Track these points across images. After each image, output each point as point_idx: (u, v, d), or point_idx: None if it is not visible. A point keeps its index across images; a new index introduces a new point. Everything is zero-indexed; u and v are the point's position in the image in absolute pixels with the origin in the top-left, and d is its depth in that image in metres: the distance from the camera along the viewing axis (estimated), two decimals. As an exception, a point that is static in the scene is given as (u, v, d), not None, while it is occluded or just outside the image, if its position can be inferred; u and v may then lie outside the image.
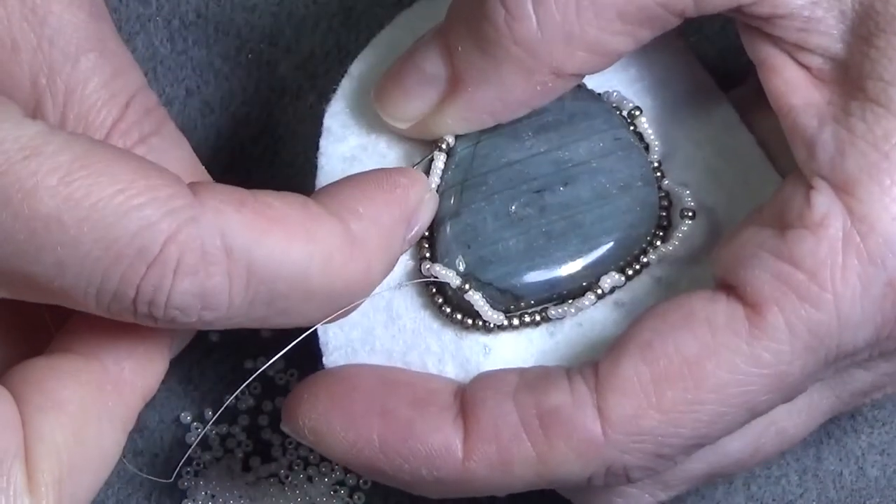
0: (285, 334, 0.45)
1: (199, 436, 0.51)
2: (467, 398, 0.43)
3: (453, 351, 0.45)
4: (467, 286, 0.45)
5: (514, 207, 0.45)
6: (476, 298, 0.45)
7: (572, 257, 0.45)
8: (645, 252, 0.46)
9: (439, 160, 0.45)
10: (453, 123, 0.45)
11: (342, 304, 0.41)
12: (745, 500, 0.52)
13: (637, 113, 0.46)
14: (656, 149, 0.46)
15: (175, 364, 0.52)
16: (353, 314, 0.43)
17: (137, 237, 0.38)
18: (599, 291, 0.45)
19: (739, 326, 0.41)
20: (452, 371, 0.45)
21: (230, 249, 0.38)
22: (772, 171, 0.46)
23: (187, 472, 0.51)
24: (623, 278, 0.45)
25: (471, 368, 0.45)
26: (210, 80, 0.54)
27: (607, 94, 0.47)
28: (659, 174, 0.46)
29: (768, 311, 0.41)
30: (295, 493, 0.51)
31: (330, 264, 0.40)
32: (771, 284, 0.41)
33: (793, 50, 0.43)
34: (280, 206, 0.40)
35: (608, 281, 0.45)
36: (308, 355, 0.52)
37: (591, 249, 0.45)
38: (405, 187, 0.42)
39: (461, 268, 0.45)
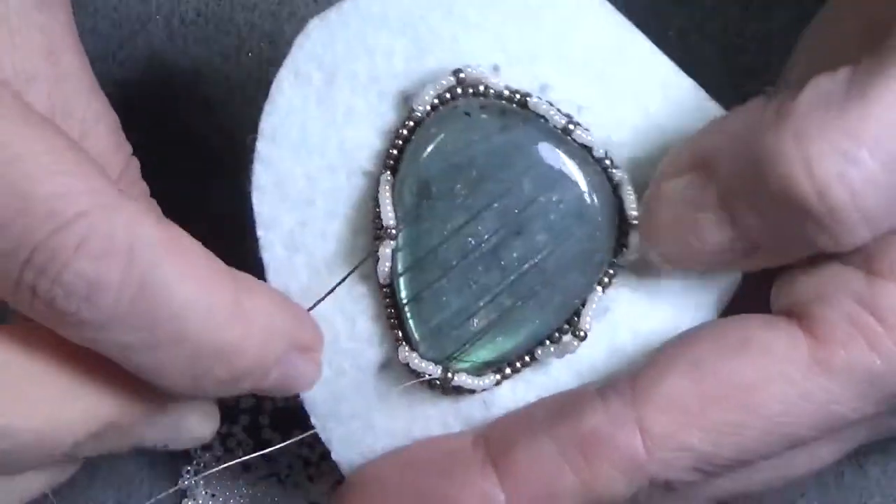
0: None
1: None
2: (494, 443, 0.43)
3: (454, 413, 0.45)
4: (450, 374, 0.44)
5: (473, 280, 0.44)
6: (462, 380, 0.44)
7: (545, 312, 0.44)
8: (613, 265, 0.45)
9: (386, 247, 0.44)
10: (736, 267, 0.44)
11: (212, 371, 0.40)
12: (745, 500, 0.52)
13: (572, 125, 0.44)
14: (600, 148, 0.45)
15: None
16: (344, 405, 0.44)
17: (53, 199, 0.37)
18: (581, 334, 0.44)
19: (798, 359, 0.41)
20: (458, 430, 0.45)
21: (133, 254, 0.38)
22: (717, 107, 0.45)
23: (187, 472, 0.51)
24: (595, 305, 0.45)
25: (477, 423, 0.45)
26: (210, 79, 0.54)
27: (535, 105, 0.44)
28: (608, 162, 0.44)
29: (835, 352, 0.41)
30: (295, 493, 0.51)
31: (210, 317, 0.39)
32: (845, 327, 0.41)
33: None
34: (194, 246, 0.40)
35: (586, 319, 0.44)
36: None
37: (562, 299, 0.44)
38: (308, 335, 0.42)
39: (440, 351, 0.44)
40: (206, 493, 0.51)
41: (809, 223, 0.40)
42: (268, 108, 0.45)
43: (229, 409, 0.52)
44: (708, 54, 0.50)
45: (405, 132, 0.44)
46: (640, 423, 0.41)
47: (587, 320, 0.44)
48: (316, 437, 0.52)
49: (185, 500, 0.51)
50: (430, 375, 0.44)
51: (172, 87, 0.54)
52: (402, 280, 0.44)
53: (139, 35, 0.55)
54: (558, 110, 0.44)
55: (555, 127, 0.44)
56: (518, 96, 0.44)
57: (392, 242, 0.44)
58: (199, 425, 0.44)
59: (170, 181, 0.54)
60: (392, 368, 0.45)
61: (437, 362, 0.44)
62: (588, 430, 0.42)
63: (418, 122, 0.44)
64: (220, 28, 0.54)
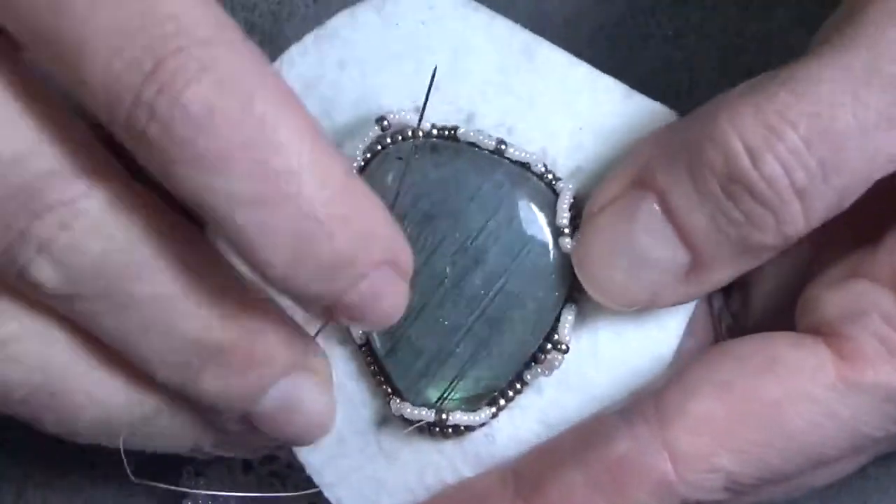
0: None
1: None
2: (523, 479, 0.43)
3: (461, 455, 0.45)
4: (444, 416, 0.44)
5: (443, 319, 0.44)
6: (458, 418, 0.44)
7: (523, 334, 0.44)
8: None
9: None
10: (697, 294, 0.43)
11: (314, 246, 0.38)
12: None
13: (503, 146, 0.44)
14: (537, 162, 0.45)
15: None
16: (351, 471, 0.44)
17: (178, 18, 0.36)
18: (563, 347, 0.44)
19: (825, 378, 0.41)
20: (471, 471, 0.45)
21: (254, 95, 0.36)
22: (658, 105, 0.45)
23: (187, 472, 0.51)
24: (571, 316, 0.45)
25: (486, 460, 0.45)
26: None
27: (463, 134, 0.44)
28: (549, 175, 0.45)
29: (862, 371, 0.41)
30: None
31: (322, 183, 0.37)
32: (874, 347, 0.41)
33: None
34: (309, 115, 0.38)
35: (564, 331, 0.44)
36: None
37: (536, 317, 0.44)
38: (405, 257, 0.40)
39: (429, 395, 0.44)
40: (206, 493, 0.51)
41: (750, 202, 0.40)
42: None
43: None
44: (708, 54, 0.50)
45: None
46: (668, 446, 0.41)
47: (565, 332, 0.44)
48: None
49: (185, 500, 0.51)
50: (425, 419, 0.44)
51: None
52: (374, 335, 0.44)
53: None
54: (488, 135, 0.44)
55: (488, 151, 0.44)
56: (446, 131, 0.44)
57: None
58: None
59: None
60: (389, 424, 0.45)
61: (429, 407, 0.44)
62: (616, 457, 0.41)
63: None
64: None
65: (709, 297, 0.47)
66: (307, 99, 0.45)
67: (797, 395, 0.41)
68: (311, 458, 0.45)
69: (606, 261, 0.42)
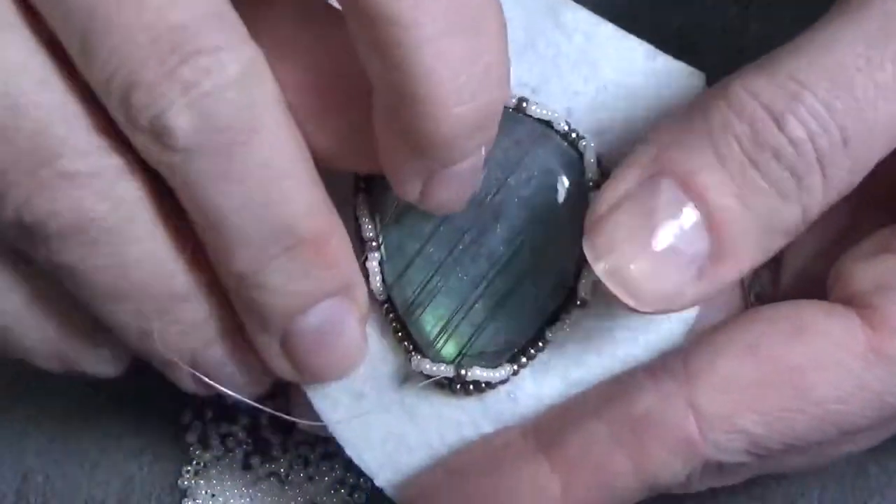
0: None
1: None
2: (544, 432, 0.42)
3: (482, 413, 0.45)
4: (463, 371, 0.44)
5: (463, 273, 0.44)
6: (477, 374, 0.44)
7: (543, 288, 0.44)
8: None
9: (372, 261, 0.44)
10: (717, 289, 0.41)
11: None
12: (746, 500, 0.52)
13: (525, 103, 0.44)
14: (560, 121, 0.44)
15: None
16: (374, 429, 0.44)
17: None
18: (578, 302, 0.44)
19: (855, 347, 0.41)
20: (493, 429, 0.45)
21: None
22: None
23: (187, 472, 0.51)
24: (592, 273, 0.44)
25: (508, 418, 0.45)
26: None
27: None
28: (574, 134, 0.44)
29: (893, 342, 0.41)
30: (295, 492, 0.51)
31: None
32: None
33: None
34: None
35: (585, 288, 0.44)
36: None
37: (556, 272, 0.44)
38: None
39: (448, 351, 0.44)
40: (206, 493, 0.51)
41: (777, 170, 0.39)
42: None
43: (229, 408, 0.52)
44: (708, 54, 0.50)
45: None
46: (693, 405, 0.41)
47: (587, 289, 0.44)
48: (315, 437, 0.52)
49: (185, 499, 0.51)
50: (444, 376, 0.44)
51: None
52: (394, 290, 0.44)
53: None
54: (510, 93, 0.44)
55: (510, 109, 0.44)
56: None
57: (376, 255, 0.44)
58: None
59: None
60: (410, 382, 0.45)
61: (448, 363, 0.44)
62: (640, 412, 0.41)
63: None
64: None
65: None
66: None
67: (826, 361, 0.41)
68: (330, 414, 0.45)
69: (628, 258, 0.40)
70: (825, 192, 0.40)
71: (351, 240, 0.43)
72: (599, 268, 0.40)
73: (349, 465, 0.51)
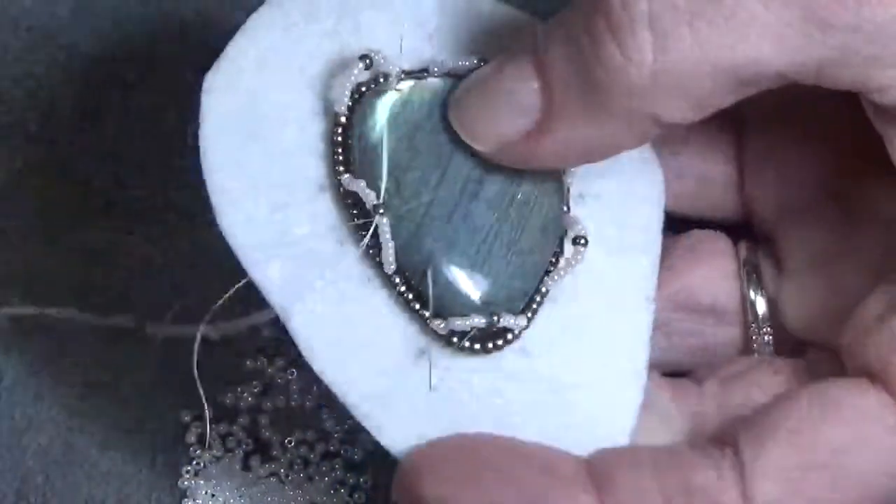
0: (286, 334, 0.45)
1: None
2: (597, 471, 0.42)
3: (501, 375, 0.45)
4: (494, 317, 0.44)
5: (470, 227, 0.44)
6: (506, 321, 0.44)
7: (544, 233, 0.45)
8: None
9: (385, 227, 0.44)
10: (542, 156, 0.43)
11: None
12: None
13: (482, 62, 0.45)
14: None
15: (175, 363, 0.52)
16: (393, 408, 0.44)
17: None
18: (583, 240, 0.45)
19: (889, 419, 0.42)
20: (515, 390, 0.45)
21: None
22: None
23: (187, 472, 0.51)
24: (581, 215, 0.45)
25: (526, 376, 0.45)
26: (210, 79, 0.54)
27: (442, 65, 0.45)
28: None
29: None
30: (295, 493, 0.51)
31: None
32: None
33: None
34: None
35: (579, 227, 0.45)
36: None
37: (547, 216, 0.45)
38: None
39: (472, 302, 0.44)
40: (206, 493, 0.51)
41: (601, 25, 0.40)
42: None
43: (229, 408, 0.52)
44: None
45: (339, 136, 0.44)
46: (744, 492, 0.41)
47: (581, 227, 0.45)
48: (315, 437, 0.52)
49: (185, 499, 0.51)
50: (476, 326, 0.44)
51: (173, 87, 0.54)
52: (405, 255, 0.44)
53: (139, 35, 0.55)
54: (465, 58, 0.45)
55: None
56: (422, 72, 0.45)
57: (385, 220, 0.44)
58: None
59: (169, 180, 0.54)
60: (427, 354, 0.45)
61: (474, 315, 0.44)
62: (697, 486, 0.41)
63: (345, 121, 0.44)
64: (219, 28, 0.54)
65: (741, 279, 0.48)
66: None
67: (863, 438, 0.42)
68: (350, 395, 0.44)
69: (469, 94, 0.43)
70: (653, 66, 0.40)
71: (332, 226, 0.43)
72: (450, 107, 0.43)
73: (349, 466, 0.51)
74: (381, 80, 0.45)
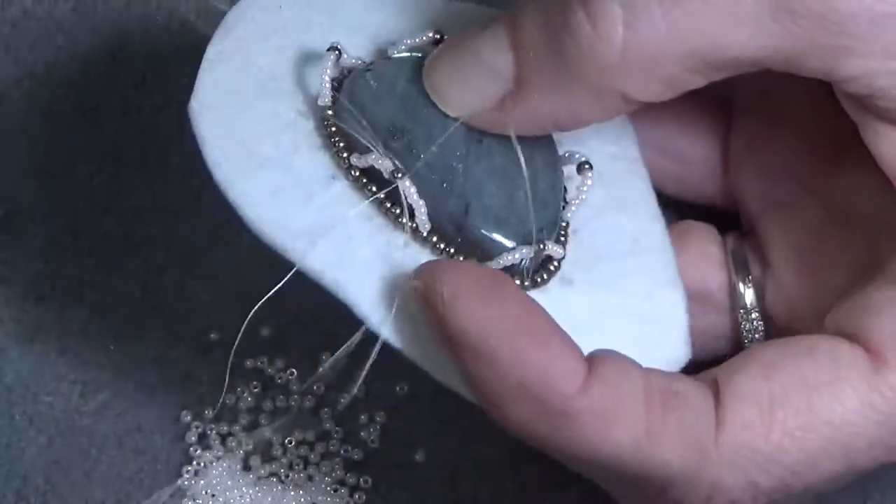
0: (286, 334, 0.45)
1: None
2: (591, 357, 0.42)
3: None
4: (541, 246, 0.44)
5: (490, 170, 0.44)
6: (551, 249, 0.45)
7: (551, 171, 0.45)
8: None
9: (411, 188, 0.44)
10: (513, 123, 0.43)
11: None
12: (745, 498, 0.52)
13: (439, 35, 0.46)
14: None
15: (175, 363, 0.52)
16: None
17: None
18: (588, 165, 0.46)
19: (862, 367, 0.42)
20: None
21: None
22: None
23: (187, 472, 0.51)
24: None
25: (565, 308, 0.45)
26: (210, 79, 0.54)
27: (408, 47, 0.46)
28: None
29: (891, 360, 0.42)
30: (295, 493, 0.51)
31: None
32: None
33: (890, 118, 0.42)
34: None
35: (577, 155, 0.46)
36: (308, 354, 0.52)
37: (549, 149, 0.46)
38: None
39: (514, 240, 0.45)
40: (206, 493, 0.51)
41: (576, 2, 0.41)
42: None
43: (229, 408, 0.52)
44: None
45: (333, 126, 0.45)
46: (716, 412, 0.42)
47: (580, 156, 0.46)
48: (315, 437, 0.52)
49: (185, 500, 0.51)
50: (525, 258, 0.44)
51: (172, 87, 0.54)
52: (434, 218, 0.44)
53: (139, 35, 0.55)
54: (424, 36, 0.46)
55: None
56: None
57: (408, 182, 0.44)
58: None
59: (168, 180, 0.54)
60: None
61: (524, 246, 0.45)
62: (678, 390, 0.42)
63: (332, 112, 0.45)
64: (219, 28, 0.54)
65: (728, 268, 0.48)
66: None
67: (835, 379, 0.42)
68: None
69: (445, 62, 0.44)
70: (623, 45, 0.40)
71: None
72: (424, 74, 0.44)
73: (349, 466, 0.51)
74: (354, 66, 0.45)
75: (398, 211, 0.44)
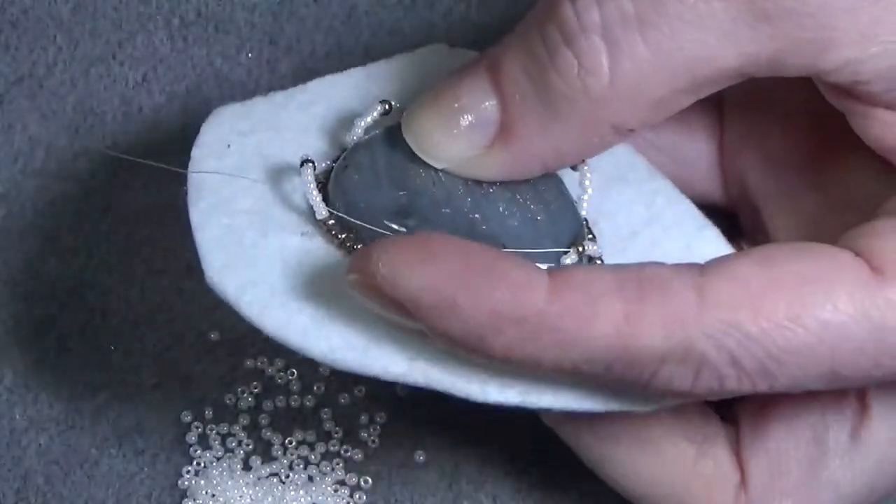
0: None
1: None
2: (551, 270, 0.42)
3: None
4: (580, 248, 0.44)
5: (500, 208, 0.44)
6: (590, 249, 0.45)
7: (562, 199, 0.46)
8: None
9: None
10: (500, 170, 0.43)
11: None
12: (745, 499, 0.52)
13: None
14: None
15: (175, 364, 0.52)
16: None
17: None
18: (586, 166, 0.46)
19: (862, 276, 0.41)
20: None
21: None
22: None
23: (188, 472, 0.51)
24: None
25: None
26: (210, 79, 0.54)
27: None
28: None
29: (893, 282, 0.41)
30: (296, 493, 0.51)
31: None
32: None
33: (886, 104, 0.42)
34: None
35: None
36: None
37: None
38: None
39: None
40: (207, 493, 0.51)
41: (556, 37, 0.41)
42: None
43: (229, 408, 0.52)
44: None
45: (333, 220, 0.45)
46: (700, 289, 0.40)
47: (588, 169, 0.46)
48: (315, 437, 0.52)
49: (186, 500, 0.51)
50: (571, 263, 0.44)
51: (172, 87, 0.54)
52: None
53: (139, 35, 0.55)
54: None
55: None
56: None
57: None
58: None
59: (168, 182, 0.54)
60: None
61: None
62: (651, 274, 0.41)
63: (329, 212, 0.45)
64: (220, 28, 0.54)
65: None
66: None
67: (830, 281, 0.41)
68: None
69: (427, 114, 0.43)
70: (611, 75, 0.41)
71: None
72: (404, 128, 0.43)
73: (349, 466, 0.51)
74: (326, 168, 0.45)
75: None
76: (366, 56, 0.53)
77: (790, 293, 0.41)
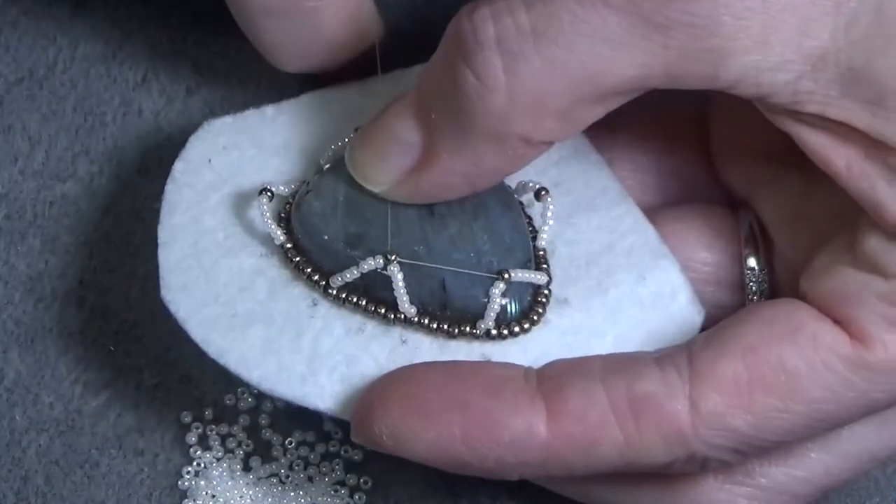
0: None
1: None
2: (547, 380, 0.43)
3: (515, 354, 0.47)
4: (506, 275, 0.45)
5: (453, 235, 0.46)
6: (521, 275, 0.46)
7: (513, 213, 0.47)
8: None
9: (398, 275, 0.45)
10: (430, 189, 0.44)
11: None
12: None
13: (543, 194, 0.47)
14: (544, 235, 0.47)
15: (175, 364, 0.52)
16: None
17: None
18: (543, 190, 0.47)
19: (843, 351, 0.43)
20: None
21: None
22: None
23: (188, 473, 0.51)
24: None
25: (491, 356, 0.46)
26: (210, 79, 0.54)
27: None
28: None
29: (874, 347, 0.42)
30: (296, 493, 0.51)
31: None
32: (880, 325, 0.42)
33: (803, 119, 0.42)
34: None
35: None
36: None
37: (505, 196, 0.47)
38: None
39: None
40: (207, 493, 0.51)
41: (456, 55, 0.42)
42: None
43: (229, 409, 0.52)
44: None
45: (297, 256, 0.47)
46: (691, 399, 0.42)
47: (533, 184, 0.47)
48: (315, 437, 0.52)
49: (186, 500, 0.51)
50: (510, 303, 0.45)
51: (172, 87, 0.54)
52: (417, 299, 0.45)
53: (139, 34, 0.55)
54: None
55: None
56: None
57: (396, 269, 0.45)
58: None
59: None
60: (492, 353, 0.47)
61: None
62: (643, 393, 0.42)
63: (290, 245, 0.47)
64: (219, 29, 0.54)
65: (740, 254, 0.49)
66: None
67: (815, 364, 0.42)
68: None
69: (361, 142, 0.45)
70: (509, 89, 0.41)
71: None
72: (346, 156, 0.46)
73: (349, 466, 0.51)
74: (296, 191, 0.47)
75: (383, 310, 0.45)
76: (366, 56, 0.53)
77: (777, 387, 0.42)
